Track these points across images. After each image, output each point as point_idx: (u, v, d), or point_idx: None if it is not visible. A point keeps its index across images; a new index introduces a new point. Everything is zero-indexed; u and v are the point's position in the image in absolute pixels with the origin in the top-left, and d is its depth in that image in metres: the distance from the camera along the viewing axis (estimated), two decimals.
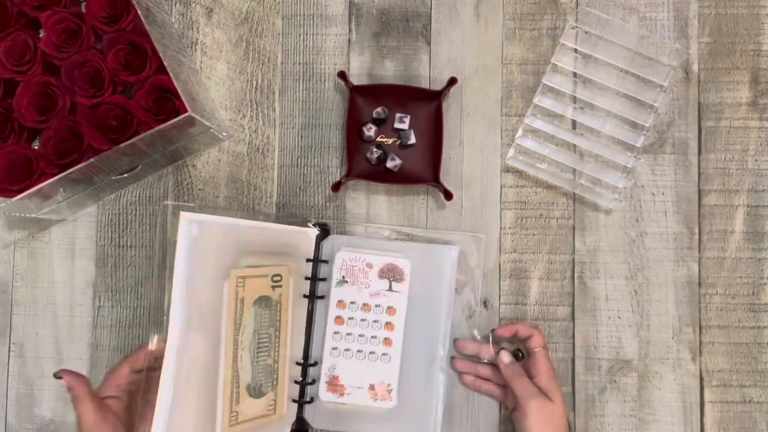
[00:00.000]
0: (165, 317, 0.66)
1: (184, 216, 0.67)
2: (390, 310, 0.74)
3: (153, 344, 0.67)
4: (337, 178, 0.79)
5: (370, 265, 0.75)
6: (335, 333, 0.74)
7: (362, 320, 0.74)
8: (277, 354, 0.73)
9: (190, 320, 0.66)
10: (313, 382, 0.74)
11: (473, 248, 0.76)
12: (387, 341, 0.74)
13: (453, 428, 0.75)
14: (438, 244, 0.76)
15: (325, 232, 0.76)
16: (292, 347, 0.74)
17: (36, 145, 0.74)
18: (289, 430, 0.74)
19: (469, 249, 0.76)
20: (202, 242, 0.68)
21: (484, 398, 0.76)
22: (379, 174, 0.78)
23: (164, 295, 0.67)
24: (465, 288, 0.75)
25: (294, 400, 0.74)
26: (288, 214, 0.79)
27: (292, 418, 0.74)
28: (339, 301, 0.75)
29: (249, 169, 0.80)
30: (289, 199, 0.79)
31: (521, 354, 0.74)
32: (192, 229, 0.67)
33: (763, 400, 0.76)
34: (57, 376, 0.65)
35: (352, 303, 0.74)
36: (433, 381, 0.74)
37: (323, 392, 0.74)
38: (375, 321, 0.74)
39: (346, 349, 0.74)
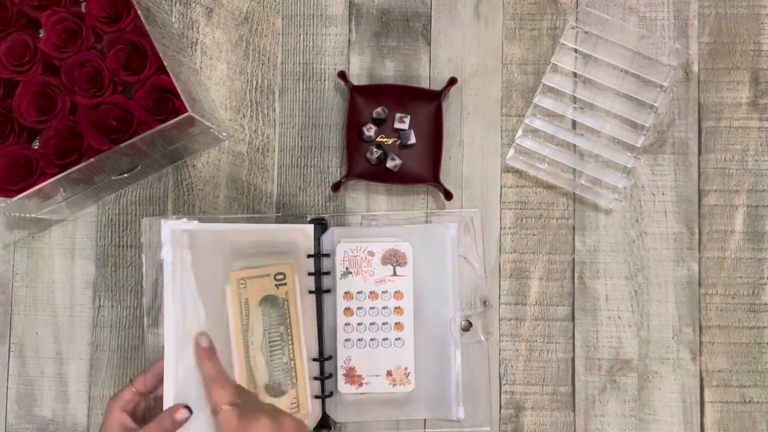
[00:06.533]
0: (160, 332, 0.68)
1: (165, 228, 0.68)
2: (397, 294, 0.74)
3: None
4: (337, 178, 0.79)
5: (371, 253, 0.75)
6: (346, 325, 0.74)
7: (371, 308, 0.74)
8: (292, 352, 0.72)
9: (187, 331, 0.67)
10: (330, 376, 0.74)
11: (471, 224, 0.77)
12: (398, 326, 0.74)
13: (474, 401, 0.74)
14: (435, 224, 0.77)
15: (323, 226, 0.76)
16: (306, 344, 0.74)
17: (36, 145, 0.74)
18: (313, 427, 0.74)
19: (467, 225, 0.76)
20: (189, 252, 0.68)
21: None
22: (379, 174, 0.78)
23: (159, 310, 0.69)
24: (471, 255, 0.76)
25: (316, 396, 0.74)
26: (288, 213, 0.79)
27: (317, 414, 0.74)
28: (346, 293, 0.74)
29: (249, 169, 0.80)
30: (289, 199, 0.79)
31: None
32: (175, 240, 0.68)
33: (763, 400, 0.76)
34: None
35: (359, 293, 0.75)
36: (448, 358, 0.74)
37: (342, 385, 0.74)
38: (384, 308, 0.74)
39: (359, 339, 0.74)
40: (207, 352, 0.65)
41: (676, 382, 0.77)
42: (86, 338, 0.79)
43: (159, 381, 0.67)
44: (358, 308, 0.74)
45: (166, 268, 0.67)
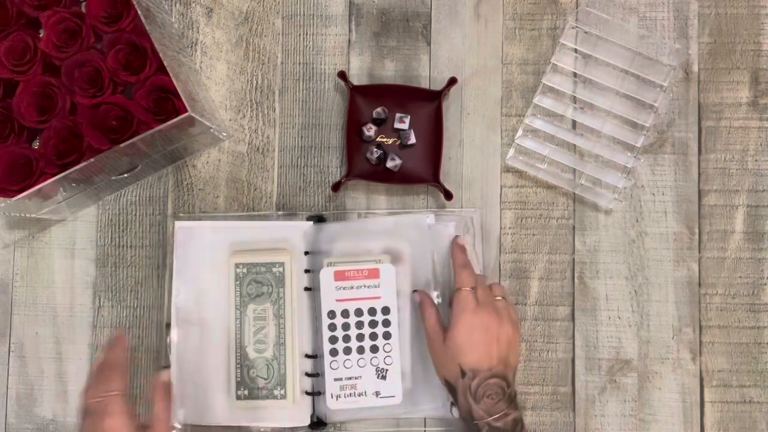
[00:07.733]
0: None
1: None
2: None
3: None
4: (337, 178, 0.79)
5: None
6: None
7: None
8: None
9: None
10: (318, 375, 0.74)
11: (470, 224, 0.77)
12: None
13: None
14: (413, 214, 0.76)
15: (322, 222, 0.76)
16: (300, 340, 0.75)
17: (36, 145, 0.74)
18: (308, 422, 0.74)
19: (466, 226, 0.77)
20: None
21: None
22: (379, 174, 0.78)
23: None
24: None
25: (307, 393, 0.74)
26: (288, 212, 0.79)
27: (308, 410, 0.75)
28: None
29: (249, 169, 0.80)
30: (289, 199, 0.80)
31: None
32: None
33: (763, 400, 0.76)
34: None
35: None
36: None
37: (330, 383, 0.73)
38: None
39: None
40: (460, 247, 0.74)
41: (676, 382, 0.77)
42: (86, 338, 0.79)
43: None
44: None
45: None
